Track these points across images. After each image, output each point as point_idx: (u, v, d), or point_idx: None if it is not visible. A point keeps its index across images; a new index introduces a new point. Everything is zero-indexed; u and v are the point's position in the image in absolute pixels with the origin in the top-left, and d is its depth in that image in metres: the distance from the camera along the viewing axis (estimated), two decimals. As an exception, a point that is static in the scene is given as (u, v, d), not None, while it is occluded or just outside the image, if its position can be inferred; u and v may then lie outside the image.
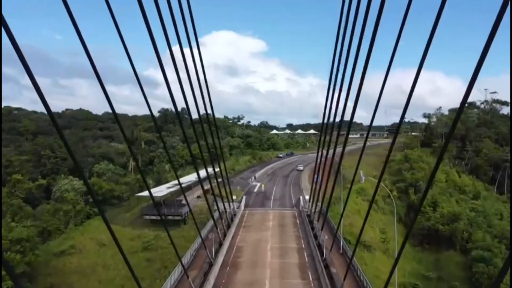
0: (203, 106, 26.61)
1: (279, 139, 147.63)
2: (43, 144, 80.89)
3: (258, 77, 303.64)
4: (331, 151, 30.39)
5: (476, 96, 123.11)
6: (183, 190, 29.11)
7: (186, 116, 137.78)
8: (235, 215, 45.28)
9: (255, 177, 75.37)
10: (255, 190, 64.66)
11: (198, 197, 58.35)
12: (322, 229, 31.99)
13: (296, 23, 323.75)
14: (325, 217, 33.97)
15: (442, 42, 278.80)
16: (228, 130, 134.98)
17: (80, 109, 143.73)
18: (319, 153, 36.94)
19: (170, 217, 45.54)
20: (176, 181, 62.41)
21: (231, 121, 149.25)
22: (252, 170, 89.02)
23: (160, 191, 46.47)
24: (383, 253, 43.98)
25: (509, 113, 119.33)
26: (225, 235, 36.63)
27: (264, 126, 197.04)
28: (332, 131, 30.02)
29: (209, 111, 29.70)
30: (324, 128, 32.64)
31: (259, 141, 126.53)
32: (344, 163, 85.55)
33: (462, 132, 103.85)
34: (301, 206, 49.43)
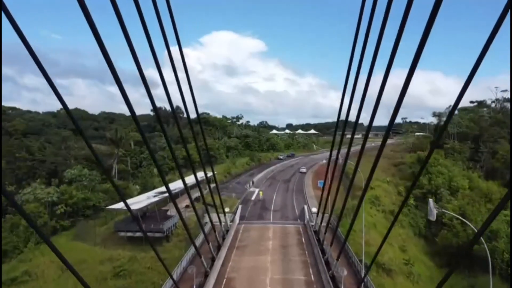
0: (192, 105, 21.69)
1: (279, 140, 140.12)
2: (19, 145, 73.30)
3: (257, 77, 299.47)
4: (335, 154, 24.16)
5: (486, 95, 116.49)
6: (173, 198, 22.27)
7: (182, 115, 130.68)
8: (227, 231, 37.70)
9: (253, 182, 67.79)
10: (253, 197, 57.03)
11: (187, 206, 50.81)
12: (337, 259, 24.36)
13: (296, 23, 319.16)
14: (335, 232, 26.47)
15: (440, 42, 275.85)
16: (226, 130, 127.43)
17: (76, 109, 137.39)
18: (331, 156, 29.32)
19: (150, 234, 37.88)
20: (162, 188, 55.08)
21: (229, 121, 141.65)
22: (250, 173, 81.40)
23: (138, 202, 38.84)
24: (406, 277, 36.38)
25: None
26: (213, 261, 29.06)
27: (264, 126, 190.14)
28: (343, 131, 23.44)
29: (192, 107, 22.78)
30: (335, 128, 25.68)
31: (258, 141, 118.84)
32: (350, 166, 76.85)
33: (475, 132, 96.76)
34: (306, 219, 41.85)
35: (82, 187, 49.49)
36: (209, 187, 27.90)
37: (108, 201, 50.58)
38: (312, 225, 39.29)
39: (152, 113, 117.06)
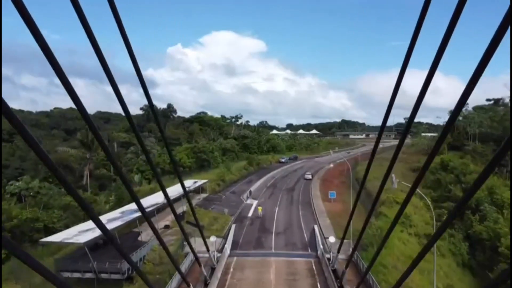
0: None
1: (280, 140, 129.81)
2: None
3: (257, 77, 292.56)
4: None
5: (502, 92, 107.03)
6: (147, 217, 14.12)
7: (175, 115, 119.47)
8: (213, 269, 27.31)
9: (250, 192, 57.38)
10: (250, 213, 46.61)
11: (167, 226, 40.46)
12: None
13: (297, 23, 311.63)
14: (365, 276, 16.24)
15: (439, 41, 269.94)
16: (222, 130, 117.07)
17: (70, 108, 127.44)
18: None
19: (105, 275, 27.29)
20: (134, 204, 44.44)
21: (228, 121, 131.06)
22: (247, 180, 70.97)
23: (84, 230, 28.22)
24: None
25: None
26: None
27: (263, 126, 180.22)
28: (382, 132, 13.42)
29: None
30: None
31: (257, 143, 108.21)
32: (359, 169, 64.86)
33: (498, 132, 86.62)
34: (319, 250, 31.45)
35: (34, 203, 39.10)
36: (190, 204, 17.35)
37: (69, 220, 40.18)
38: (328, 258, 28.99)
39: (141, 112, 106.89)
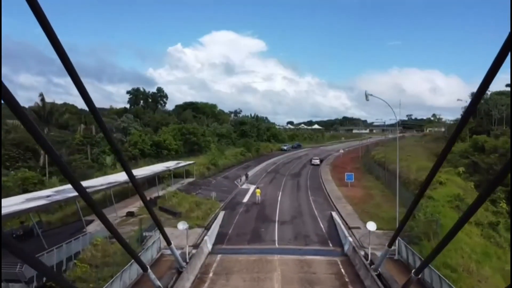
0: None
1: (282, 131, 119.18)
2: None
3: (257, 76, 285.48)
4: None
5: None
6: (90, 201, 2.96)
7: (165, 100, 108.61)
8: (180, 273, 16.53)
9: (246, 177, 46.57)
10: (245, 199, 35.85)
11: (130, 214, 29.68)
12: None
13: (296, 23, 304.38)
14: None
15: (439, 40, 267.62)
16: (218, 118, 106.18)
17: (64, 103, 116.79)
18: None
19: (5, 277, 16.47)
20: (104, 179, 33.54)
21: (227, 113, 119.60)
22: (244, 166, 60.22)
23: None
24: None
25: None
26: None
27: (263, 121, 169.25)
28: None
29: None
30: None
31: (256, 130, 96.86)
32: (374, 154, 53.85)
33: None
34: (347, 242, 20.69)
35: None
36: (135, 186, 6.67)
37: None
38: (365, 256, 18.32)
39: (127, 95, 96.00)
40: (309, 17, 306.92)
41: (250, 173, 51.67)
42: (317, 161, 62.18)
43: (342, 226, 24.61)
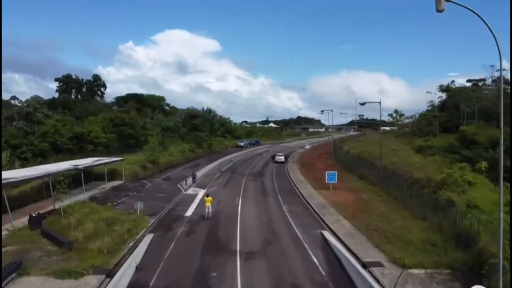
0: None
1: (238, 127, 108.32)
2: None
3: (210, 76, 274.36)
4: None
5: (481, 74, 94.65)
6: None
7: (103, 90, 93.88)
8: None
9: (194, 178, 34.54)
10: (188, 212, 24.25)
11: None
12: None
13: (250, 24, 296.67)
14: None
15: (385, 45, 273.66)
16: (166, 110, 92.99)
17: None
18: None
19: None
20: None
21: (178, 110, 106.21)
22: (193, 164, 48.46)
23: None
24: None
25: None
26: None
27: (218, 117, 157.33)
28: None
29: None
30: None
31: (209, 125, 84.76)
32: (351, 150, 41.67)
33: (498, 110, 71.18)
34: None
35: None
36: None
37: None
38: None
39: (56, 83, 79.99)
40: (264, 19, 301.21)
41: (200, 173, 40.08)
42: (282, 158, 51.96)
43: (352, 261, 14.09)
